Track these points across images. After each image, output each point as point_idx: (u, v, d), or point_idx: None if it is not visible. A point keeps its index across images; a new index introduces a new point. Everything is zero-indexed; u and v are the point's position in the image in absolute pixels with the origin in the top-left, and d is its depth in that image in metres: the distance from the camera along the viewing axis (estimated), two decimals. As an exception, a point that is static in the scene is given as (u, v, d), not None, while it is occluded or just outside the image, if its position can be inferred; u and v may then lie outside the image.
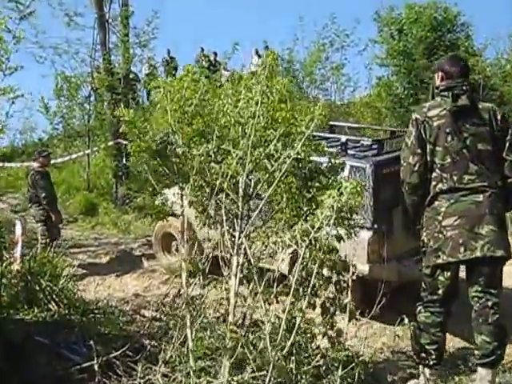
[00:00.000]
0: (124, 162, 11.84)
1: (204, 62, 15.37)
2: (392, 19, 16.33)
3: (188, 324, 3.18)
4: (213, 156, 3.41)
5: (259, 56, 17.03)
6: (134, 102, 13.27)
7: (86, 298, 5.37)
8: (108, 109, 11.77)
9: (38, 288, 4.61)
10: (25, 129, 15.76)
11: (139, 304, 6.35)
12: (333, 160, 3.88)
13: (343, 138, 6.12)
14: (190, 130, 3.78)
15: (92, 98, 12.97)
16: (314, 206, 3.42)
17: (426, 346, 3.88)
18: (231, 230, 3.34)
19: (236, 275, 3.11)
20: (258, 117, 3.27)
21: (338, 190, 3.01)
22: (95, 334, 4.01)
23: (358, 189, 3.03)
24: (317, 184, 3.60)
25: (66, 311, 4.51)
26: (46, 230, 7.50)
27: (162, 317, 5.32)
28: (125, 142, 11.88)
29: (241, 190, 3.33)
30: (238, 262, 3.13)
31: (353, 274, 3.24)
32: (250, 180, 3.35)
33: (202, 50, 18.13)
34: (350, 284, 3.28)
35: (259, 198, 3.45)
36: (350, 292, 3.27)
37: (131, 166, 12.23)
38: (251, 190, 3.38)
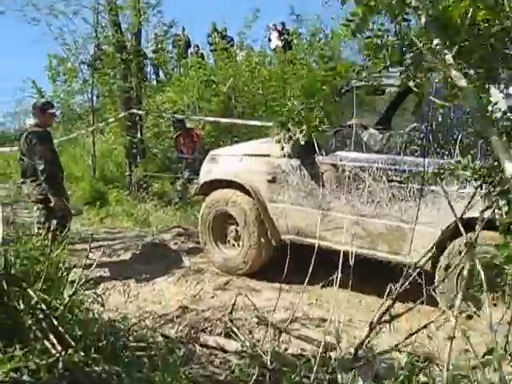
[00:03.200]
0: (139, 136, 9.39)
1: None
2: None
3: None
4: None
5: (279, 32, 14.67)
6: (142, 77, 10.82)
7: (109, 318, 3.01)
8: (118, 72, 9.38)
9: (19, 306, 2.20)
10: (18, 112, 13.68)
11: (192, 323, 3.93)
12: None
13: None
14: None
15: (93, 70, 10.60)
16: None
17: None
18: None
19: None
20: None
21: None
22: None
23: None
24: None
25: (82, 353, 2.10)
26: (45, 216, 4.97)
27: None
28: (140, 112, 9.51)
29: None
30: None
31: None
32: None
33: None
34: None
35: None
36: None
37: (148, 141, 9.86)
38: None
